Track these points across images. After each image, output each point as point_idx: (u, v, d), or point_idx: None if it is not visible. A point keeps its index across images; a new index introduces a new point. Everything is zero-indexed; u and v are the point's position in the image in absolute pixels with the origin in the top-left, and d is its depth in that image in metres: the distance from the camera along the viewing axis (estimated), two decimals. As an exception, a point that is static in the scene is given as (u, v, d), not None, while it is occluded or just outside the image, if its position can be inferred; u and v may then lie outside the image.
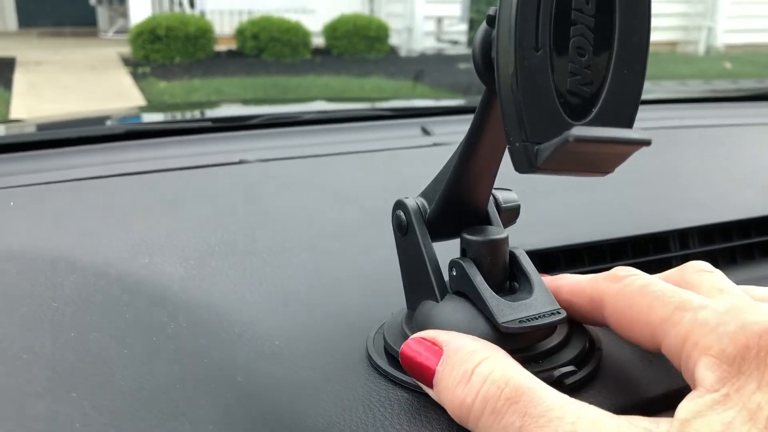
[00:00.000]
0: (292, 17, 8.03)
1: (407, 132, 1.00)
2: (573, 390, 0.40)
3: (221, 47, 8.01)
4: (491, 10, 0.35)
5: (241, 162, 0.85)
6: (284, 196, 0.74)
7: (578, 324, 0.46)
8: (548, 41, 0.32)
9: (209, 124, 1.00)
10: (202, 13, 8.40)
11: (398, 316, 0.47)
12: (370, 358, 0.44)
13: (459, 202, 0.45)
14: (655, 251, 0.70)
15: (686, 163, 0.91)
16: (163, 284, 0.53)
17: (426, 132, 1.00)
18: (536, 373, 0.39)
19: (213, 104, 1.95)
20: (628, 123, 0.33)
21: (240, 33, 7.99)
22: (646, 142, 0.30)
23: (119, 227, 0.63)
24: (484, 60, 0.36)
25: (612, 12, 0.33)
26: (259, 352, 0.46)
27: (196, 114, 1.31)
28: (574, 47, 0.33)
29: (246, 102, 2.06)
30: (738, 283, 0.51)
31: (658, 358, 0.45)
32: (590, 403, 0.33)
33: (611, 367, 0.44)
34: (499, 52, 0.33)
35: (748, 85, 1.67)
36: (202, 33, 7.72)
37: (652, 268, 0.69)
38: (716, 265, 0.72)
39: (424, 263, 0.44)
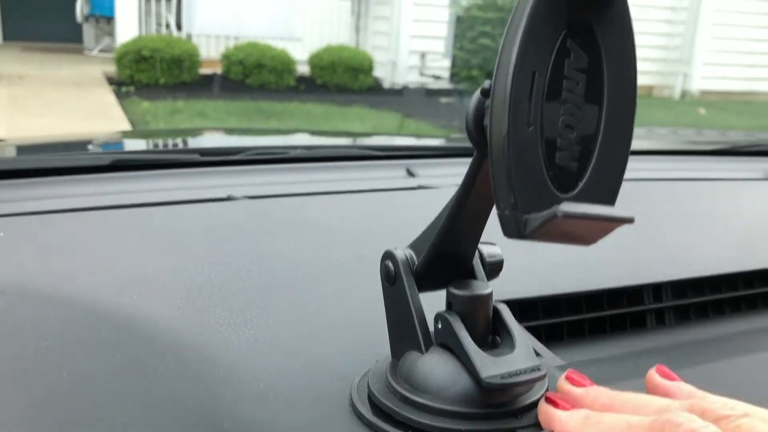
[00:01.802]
0: (279, 44, 8.08)
1: (393, 173, 1.02)
2: (550, 445, 0.42)
3: (206, 71, 8.03)
4: (486, 83, 0.37)
5: (228, 198, 0.86)
6: (271, 236, 0.75)
7: (556, 379, 0.47)
8: (539, 118, 0.34)
9: (197, 156, 1.01)
10: (189, 36, 8.42)
11: (382, 364, 0.48)
12: (353, 405, 0.46)
13: (446, 256, 0.47)
14: (630, 304, 0.72)
15: (660, 217, 0.94)
16: (151, 323, 0.54)
17: (411, 174, 1.02)
18: (516, 428, 0.41)
19: (198, 132, 1.96)
20: (612, 199, 0.35)
21: (226, 57, 8.02)
22: (630, 220, 0.32)
23: (108, 262, 0.64)
24: (477, 126, 0.38)
25: (600, 93, 0.35)
26: (244, 396, 0.46)
27: (182, 143, 1.31)
28: (563, 124, 0.35)
29: (231, 131, 2.07)
30: (708, 337, 0.53)
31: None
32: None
33: (587, 424, 0.45)
34: (492, 124, 0.35)
35: (719, 138, 1.72)
36: (188, 56, 7.73)
37: (626, 319, 0.71)
38: (688, 319, 0.74)
39: (410, 314, 0.46)
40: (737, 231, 0.92)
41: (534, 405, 0.43)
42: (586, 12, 0.34)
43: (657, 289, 0.74)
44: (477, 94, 0.39)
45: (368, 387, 0.46)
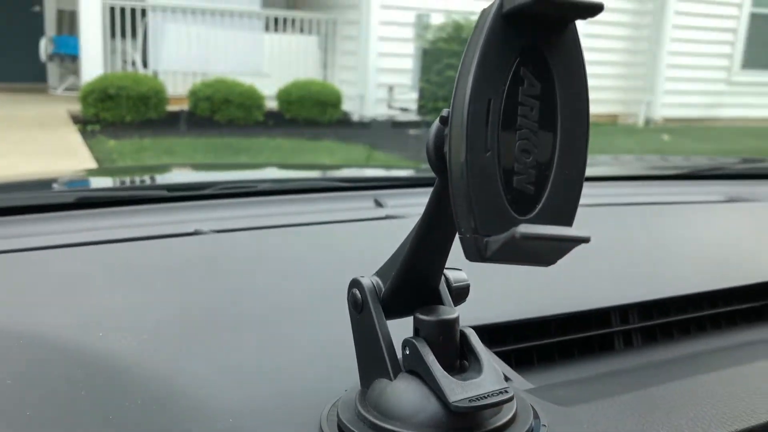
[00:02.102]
0: (246, 80, 8.10)
1: (360, 204, 1.03)
2: (520, 467, 0.42)
3: (173, 108, 8.01)
4: (444, 111, 0.38)
5: (196, 233, 0.86)
6: (239, 269, 0.75)
7: (524, 401, 0.47)
8: (496, 143, 0.35)
9: (164, 192, 1.01)
10: (155, 74, 8.41)
11: (352, 393, 0.48)
12: (323, 435, 0.45)
13: (413, 282, 0.47)
14: (598, 326, 0.73)
15: (626, 240, 0.96)
16: (118, 359, 0.53)
17: (379, 204, 1.03)
18: (485, 452, 0.41)
19: (165, 168, 1.95)
20: (569, 220, 0.36)
21: (193, 94, 8.01)
22: (585, 240, 0.33)
23: (74, 299, 0.63)
24: (437, 153, 0.39)
25: (554, 118, 0.36)
26: (213, 430, 0.46)
27: (148, 179, 1.31)
28: (519, 149, 0.36)
29: (198, 167, 2.06)
30: (674, 357, 0.54)
31: None
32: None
33: (556, 445, 0.45)
34: (451, 151, 0.36)
35: (683, 162, 1.77)
36: (155, 93, 7.71)
37: (594, 342, 0.72)
38: (654, 339, 0.75)
39: (378, 341, 0.46)
40: (700, 253, 0.94)
41: (503, 428, 0.43)
42: (537, 40, 0.35)
43: (624, 312, 0.75)
44: (437, 122, 0.40)
45: (338, 416, 0.46)
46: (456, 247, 0.42)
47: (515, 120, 0.35)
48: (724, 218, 1.09)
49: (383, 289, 0.48)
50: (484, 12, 0.36)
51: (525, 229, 0.32)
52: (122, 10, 8.32)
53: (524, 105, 0.36)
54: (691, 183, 1.32)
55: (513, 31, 0.35)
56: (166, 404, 0.48)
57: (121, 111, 7.58)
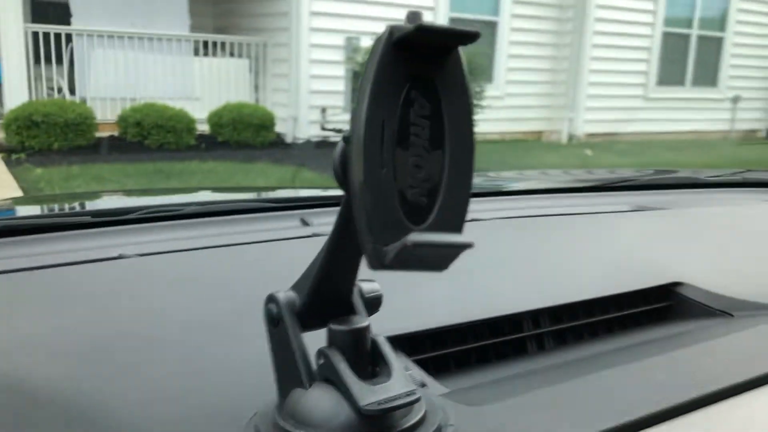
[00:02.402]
0: (177, 104, 8.01)
1: (287, 223, 1.05)
2: (428, 463, 0.45)
3: (103, 134, 7.83)
4: (346, 132, 0.41)
5: (120, 257, 0.86)
6: (162, 292, 0.76)
7: (434, 403, 0.51)
8: (392, 161, 0.38)
9: (88, 218, 1.01)
10: (83, 100, 8.22)
11: (270, 404, 0.50)
12: (244, 445, 0.47)
13: (326, 294, 0.50)
14: (511, 331, 0.77)
15: (539, 249, 1.01)
16: (41, 384, 0.54)
17: (305, 223, 1.06)
18: (395, 450, 0.44)
19: (91, 195, 1.93)
20: (459, 228, 0.40)
21: (122, 119, 7.86)
22: (469, 246, 0.37)
23: (-6, 326, 0.63)
24: (342, 170, 0.42)
25: (443, 136, 0.40)
26: (136, 446, 0.47)
27: (75, 206, 1.30)
28: (413, 165, 0.39)
29: (126, 193, 2.04)
30: (581, 357, 0.58)
31: None
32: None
33: (463, 440, 0.49)
34: (352, 169, 0.39)
35: (602, 175, 1.85)
36: (83, 119, 7.53)
37: (508, 346, 0.76)
38: (564, 342, 0.80)
39: (293, 353, 0.48)
40: (607, 259, 1.00)
41: (412, 428, 0.46)
42: (425, 65, 0.39)
43: (535, 317, 0.80)
44: (341, 141, 0.43)
45: (255, 427, 0.48)
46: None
47: (408, 139, 0.39)
48: (630, 226, 1.15)
49: (298, 303, 0.50)
50: (377, 39, 0.39)
51: (415, 237, 0.36)
52: (46, 36, 8.11)
53: (416, 125, 0.39)
54: (603, 194, 1.40)
55: (403, 57, 0.38)
56: (91, 427, 0.49)
57: (48, 138, 7.37)
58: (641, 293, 0.87)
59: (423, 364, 0.68)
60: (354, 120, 0.39)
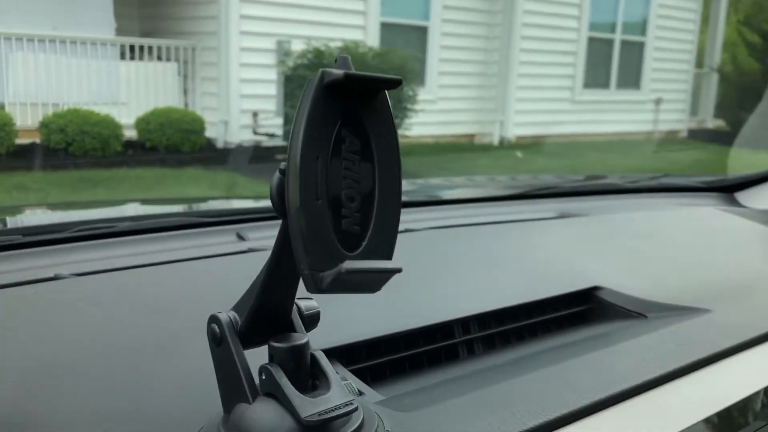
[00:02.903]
0: (102, 110, 7.80)
1: (223, 238, 1.06)
2: (365, 468, 0.48)
3: (23, 140, 7.56)
4: (282, 164, 0.44)
5: (55, 278, 0.86)
6: (101, 311, 0.77)
7: (370, 411, 0.54)
8: (326, 193, 0.42)
9: (20, 237, 1.00)
10: (1, 105, 7.91)
11: (216, 419, 0.53)
12: (190, 460, 0.50)
13: (267, 313, 0.53)
14: (443, 338, 0.81)
15: (467, 258, 1.06)
16: (-18, 409, 0.54)
17: (241, 238, 1.07)
18: (335, 458, 0.47)
19: (18, 210, 1.88)
20: (389, 253, 0.43)
21: (44, 126, 7.60)
22: (398, 270, 0.40)
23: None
24: (280, 200, 0.45)
25: (372, 169, 0.43)
26: (83, 467, 0.49)
27: (0, 223, 1.27)
28: (346, 197, 0.42)
29: (54, 207, 2.00)
30: (507, 360, 0.62)
31: None
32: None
33: (397, 446, 0.52)
34: (289, 200, 0.42)
35: (527, 182, 1.93)
36: (1, 126, 7.26)
37: (440, 353, 0.80)
38: (493, 346, 0.85)
39: (237, 370, 0.51)
40: (532, 265, 1.05)
41: (351, 435, 0.50)
42: (354, 106, 0.42)
43: (465, 324, 0.84)
44: (277, 173, 0.46)
45: (202, 441, 0.51)
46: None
47: (340, 172, 0.42)
48: (554, 233, 1.22)
49: (240, 322, 0.53)
50: (309, 81, 0.42)
51: (349, 265, 0.39)
52: (-41, 39, 7.78)
53: (347, 159, 0.43)
54: (529, 202, 1.46)
55: (333, 98, 0.42)
56: (34, 447, 0.51)
57: (-37, 146, 7.07)
58: (563, 298, 0.93)
59: (359, 374, 0.71)
60: (290, 155, 0.42)
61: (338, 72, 0.40)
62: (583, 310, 0.94)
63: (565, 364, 0.72)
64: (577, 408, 0.62)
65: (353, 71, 0.40)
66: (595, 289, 0.97)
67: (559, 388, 0.65)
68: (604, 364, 0.74)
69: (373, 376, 0.74)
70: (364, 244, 0.43)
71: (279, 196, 0.45)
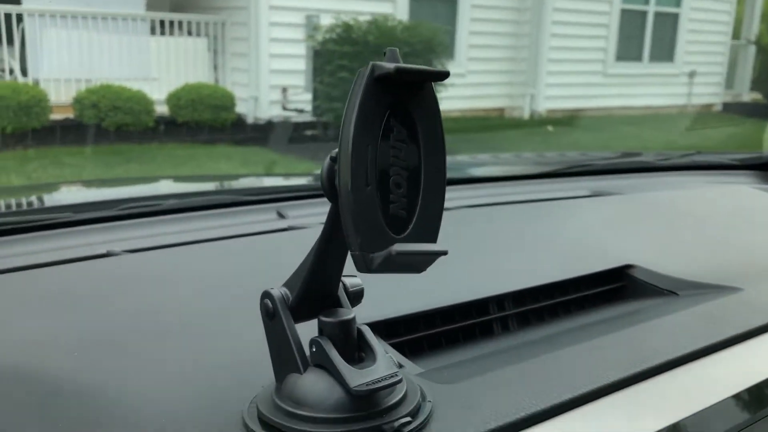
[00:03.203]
0: (134, 85, 7.89)
1: (264, 216, 1.10)
2: (409, 436, 0.52)
3: (57, 116, 7.69)
4: (333, 152, 0.47)
5: (108, 254, 0.91)
6: (154, 287, 0.81)
7: (413, 382, 0.57)
8: (375, 179, 0.44)
9: (70, 215, 1.04)
10: (36, 82, 8.04)
11: (268, 388, 0.57)
12: (246, 426, 0.53)
13: (316, 290, 0.56)
14: (478, 315, 0.84)
15: (502, 236, 1.08)
16: (51, 377, 0.59)
17: (281, 216, 1.11)
18: (381, 425, 0.51)
19: (56, 187, 1.94)
20: (434, 237, 0.46)
21: (78, 101, 7.72)
22: (444, 253, 0.43)
23: (2, 326, 0.68)
24: (330, 185, 0.48)
25: (419, 160, 0.46)
26: None
27: (52, 201, 1.33)
28: (393, 183, 0.45)
29: (98, 184, 2.06)
30: (542, 336, 0.65)
31: (474, 406, 0.57)
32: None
33: (438, 416, 0.56)
34: (340, 186, 0.45)
35: (557, 158, 1.93)
36: (36, 102, 7.38)
37: (475, 329, 0.83)
38: (527, 323, 0.88)
39: (289, 343, 0.55)
40: (566, 244, 1.07)
41: (395, 405, 0.53)
42: (402, 97, 0.45)
43: (500, 301, 0.87)
44: (327, 159, 0.48)
45: (257, 408, 0.54)
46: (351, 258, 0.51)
47: (389, 160, 0.45)
48: (587, 211, 1.23)
49: (291, 298, 0.56)
50: (360, 73, 0.45)
51: (399, 247, 0.42)
52: (-6, 16, 7.90)
53: (395, 147, 0.45)
54: (562, 180, 1.48)
55: (382, 90, 0.44)
56: (101, 414, 0.55)
57: (1, 122, 7.22)
58: (596, 276, 0.95)
59: (398, 347, 0.75)
60: (342, 144, 0.44)
61: (389, 65, 0.43)
62: (615, 287, 0.96)
63: (598, 341, 0.75)
64: (611, 382, 0.64)
65: (403, 65, 0.43)
66: (628, 267, 0.98)
67: (593, 364, 0.68)
68: (637, 341, 0.76)
69: (411, 350, 0.77)
70: (410, 227, 0.46)
71: (329, 182, 0.48)
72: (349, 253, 0.51)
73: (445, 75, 0.44)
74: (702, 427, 0.62)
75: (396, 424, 0.51)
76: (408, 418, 0.52)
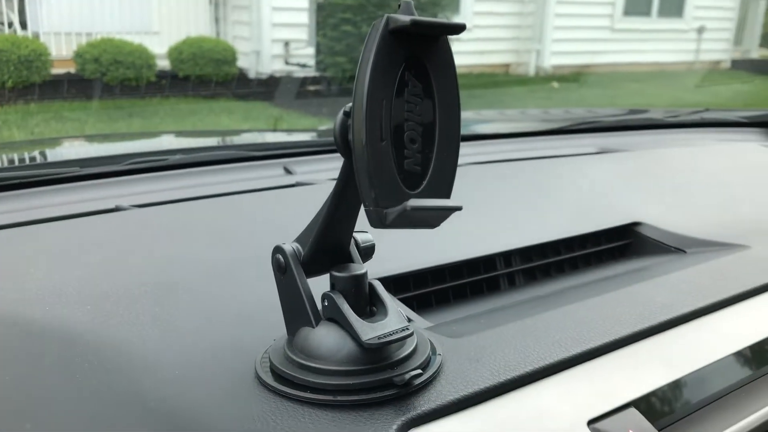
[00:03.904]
0: (135, 39, 7.80)
1: (271, 172, 1.10)
2: (420, 387, 0.53)
3: (58, 70, 7.62)
4: (347, 107, 0.46)
5: (117, 209, 0.91)
6: (163, 241, 0.81)
7: (423, 336, 0.58)
8: (390, 134, 0.44)
9: (77, 169, 1.04)
10: (36, 35, 7.95)
11: (280, 341, 0.57)
12: (258, 377, 0.54)
13: (328, 246, 0.56)
14: (486, 271, 0.85)
15: (509, 193, 1.08)
16: (68, 328, 0.59)
17: (288, 171, 1.11)
18: (392, 377, 0.51)
19: (59, 142, 1.93)
20: (448, 193, 0.46)
21: (79, 55, 7.63)
22: (458, 208, 0.43)
23: (11, 280, 0.68)
24: (343, 140, 0.48)
25: (434, 115, 0.46)
26: (162, 380, 0.54)
27: (57, 156, 1.32)
28: (408, 138, 0.45)
29: (104, 139, 2.05)
30: (549, 292, 0.65)
31: (483, 359, 0.58)
32: (431, 395, 0.45)
33: (448, 369, 0.56)
34: (354, 141, 0.44)
35: (563, 115, 1.92)
36: (37, 56, 7.31)
37: (482, 284, 0.84)
38: (534, 279, 0.88)
39: (301, 297, 0.55)
40: (573, 201, 1.07)
41: (406, 358, 0.54)
42: (417, 51, 0.44)
43: (507, 257, 0.87)
44: (341, 114, 0.48)
45: (270, 360, 0.55)
46: (362, 214, 0.51)
47: (403, 114, 0.45)
48: (594, 168, 1.23)
49: (302, 253, 0.56)
50: (374, 26, 0.44)
51: (413, 202, 0.42)
52: (-7, -33, 7.76)
53: (410, 102, 0.45)
54: (568, 137, 1.47)
55: (397, 43, 0.44)
56: (117, 362, 0.56)
57: (1, 76, 7.16)
58: (603, 233, 0.96)
59: (407, 302, 0.75)
60: (356, 98, 0.44)
61: (404, 18, 0.42)
62: (623, 244, 0.96)
63: (605, 296, 0.75)
64: (619, 337, 0.65)
65: (418, 17, 0.42)
66: (635, 224, 0.98)
67: (600, 319, 0.68)
68: (643, 297, 0.76)
69: (419, 305, 0.78)
70: (424, 183, 0.46)
71: (342, 137, 0.48)
72: (361, 208, 0.51)
73: (461, 28, 0.43)
74: (708, 381, 0.63)
75: (407, 376, 0.51)
76: (418, 371, 0.53)
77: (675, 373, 0.62)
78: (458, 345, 0.61)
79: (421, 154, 0.46)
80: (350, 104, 0.45)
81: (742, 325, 0.73)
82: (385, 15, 0.43)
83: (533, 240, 0.90)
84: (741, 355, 0.68)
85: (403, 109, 0.45)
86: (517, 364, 0.58)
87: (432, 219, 0.45)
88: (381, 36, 0.43)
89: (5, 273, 0.70)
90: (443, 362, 0.57)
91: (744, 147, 1.50)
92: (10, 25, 8.31)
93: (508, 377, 0.56)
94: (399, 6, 0.44)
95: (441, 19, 0.43)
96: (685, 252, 0.93)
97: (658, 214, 1.01)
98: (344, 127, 0.47)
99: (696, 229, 0.97)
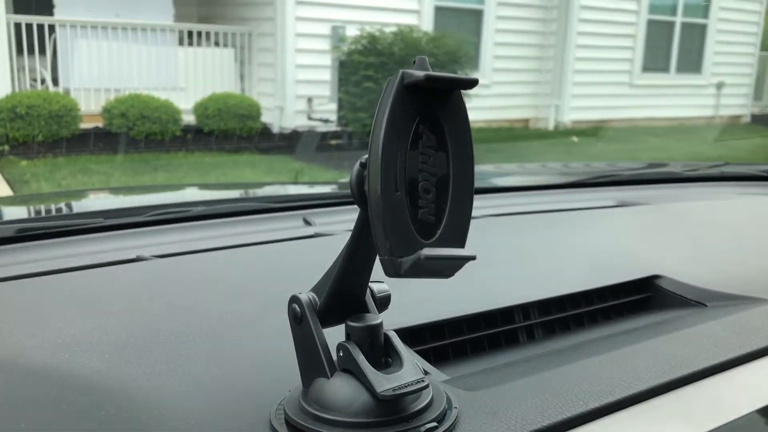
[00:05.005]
0: (162, 95, 8.00)
1: (291, 223, 1.11)
2: (435, 441, 0.52)
3: (87, 125, 7.82)
4: (363, 158, 0.47)
5: (138, 259, 0.92)
6: (183, 291, 0.82)
7: (439, 389, 0.58)
8: (404, 185, 0.45)
9: (101, 220, 1.06)
10: (66, 91, 8.19)
11: (295, 392, 0.57)
12: (273, 429, 0.54)
13: (343, 296, 0.56)
14: (503, 323, 0.84)
15: (527, 246, 1.08)
16: (86, 376, 0.60)
17: (308, 223, 1.12)
18: (407, 430, 0.51)
19: (85, 194, 1.98)
20: (462, 242, 0.47)
21: (107, 111, 7.84)
22: (472, 258, 0.44)
23: (33, 327, 0.69)
24: (359, 191, 0.49)
25: (448, 167, 0.47)
26: (178, 430, 0.54)
27: (82, 207, 1.35)
28: (422, 189, 0.46)
29: (128, 191, 2.09)
30: (567, 346, 0.64)
31: (500, 413, 0.57)
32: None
33: (464, 422, 0.56)
34: (370, 191, 0.45)
35: (582, 169, 1.92)
36: (67, 111, 7.51)
37: (501, 337, 0.83)
38: (553, 332, 0.87)
39: (316, 347, 0.55)
40: (593, 253, 1.07)
41: (421, 411, 0.53)
42: (431, 104, 0.46)
43: (526, 309, 0.87)
44: (357, 165, 0.49)
45: (284, 412, 0.55)
46: (378, 263, 0.51)
47: (418, 165, 0.46)
48: (614, 221, 1.23)
49: (318, 303, 0.57)
50: (390, 81, 0.45)
51: (427, 251, 0.43)
52: (28, 26, 8.06)
53: (424, 154, 0.46)
54: (587, 190, 1.47)
55: (412, 97, 0.45)
56: (133, 413, 0.56)
57: (32, 130, 7.36)
58: (623, 286, 0.95)
59: (424, 354, 0.75)
60: (372, 149, 0.45)
61: (418, 73, 0.43)
62: (642, 298, 0.95)
63: (624, 350, 0.74)
64: (637, 392, 0.64)
65: (432, 72, 0.43)
66: (655, 277, 0.98)
67: (619, 373, 0.67)
68: (663, 351, 0.75)
69: (436, 357, 0.77)
70: (438, 232, 0.46)
71: (359, 188, 0.49)
72: (377, 258, 0.51)
73: (473, 83, 0.44)
74: (731, 438, 0.62)
75: (422, 429, 0.51)
76: (434, 424, 0.52)
77: (697, 429, 0.61)
78: (475, 398, 0.60)
79: (435, 204, 0.46)
80: (366, 156, 0.47)
81: (765, 380, 0.72)
82: (401, 70, 0.44)
83: (552, 293, 0.89)
84: (766, 411, 0.67)
85: (417, 160, 0.45)
86: (534, 418, 0.57)
87: (446, 268, 0.45)
88: (396, 90, 0.44)
89: (27, 320, 0.71)
90: (459, 415, 0.56)
91: (764, 200, 1.49)
92: (43, 81, 8.58)
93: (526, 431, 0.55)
94: (414, 62, 0.46)
95: (454, 74, 0.44)
96: (705, 306, 0.92)
97: (678, 268, 1.00)
98: (360, 178, 0.48)
99: (717, 282, 0.96)
